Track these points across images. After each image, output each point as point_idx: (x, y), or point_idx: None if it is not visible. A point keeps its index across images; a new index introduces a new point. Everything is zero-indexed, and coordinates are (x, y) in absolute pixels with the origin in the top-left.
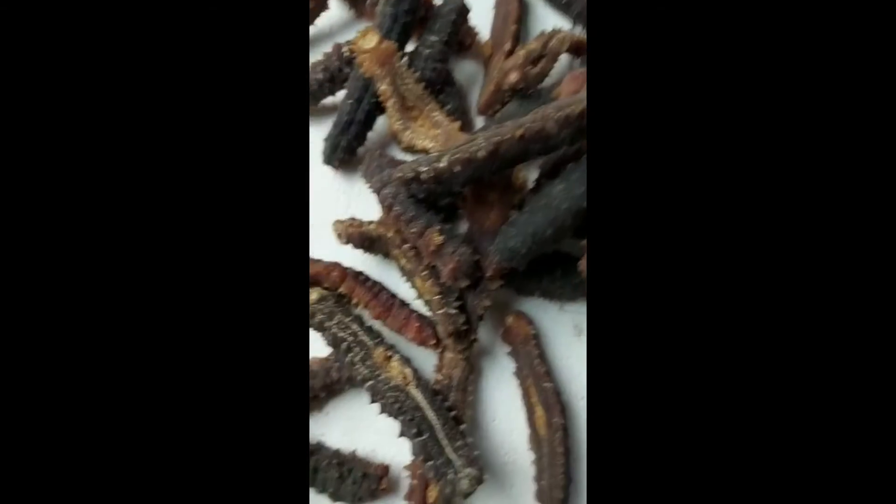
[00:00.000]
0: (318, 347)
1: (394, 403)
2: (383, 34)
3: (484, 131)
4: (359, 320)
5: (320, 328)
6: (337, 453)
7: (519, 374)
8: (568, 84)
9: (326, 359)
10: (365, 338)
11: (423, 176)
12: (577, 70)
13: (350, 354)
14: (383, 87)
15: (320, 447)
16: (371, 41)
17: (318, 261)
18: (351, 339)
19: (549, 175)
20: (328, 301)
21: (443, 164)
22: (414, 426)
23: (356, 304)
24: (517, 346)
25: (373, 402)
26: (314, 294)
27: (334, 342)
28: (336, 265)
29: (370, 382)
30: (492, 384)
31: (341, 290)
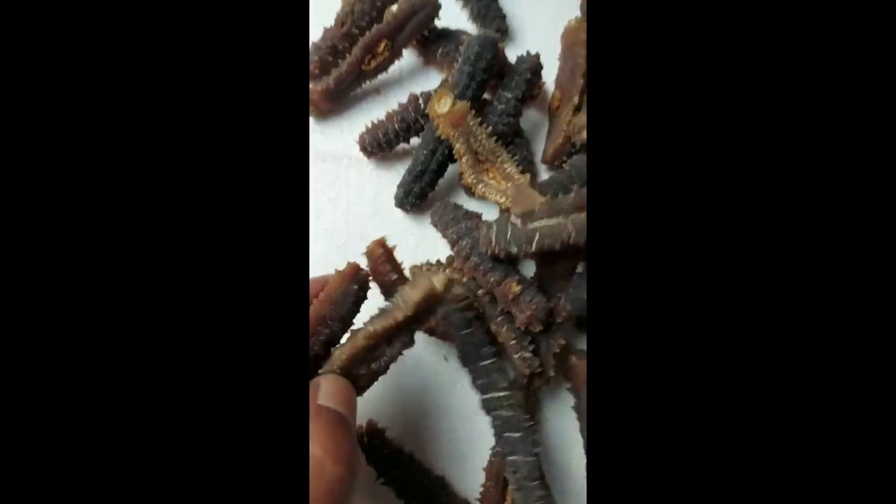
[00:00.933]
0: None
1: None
2: (460, 91)
3: (565, 200)
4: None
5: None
6: (441, 481)
7: (579, 407)
8: None
9: None
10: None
11: (512, 253)
12: None
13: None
14: (457, 145)
15: (421, 465)
16: (445, 105)
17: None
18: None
19: None
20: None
21: (533, 248)
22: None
23: None
24: (579, 384)
25: (484, 408)
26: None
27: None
28: None
29: (488, 396)
30: (553, 414)
31: None
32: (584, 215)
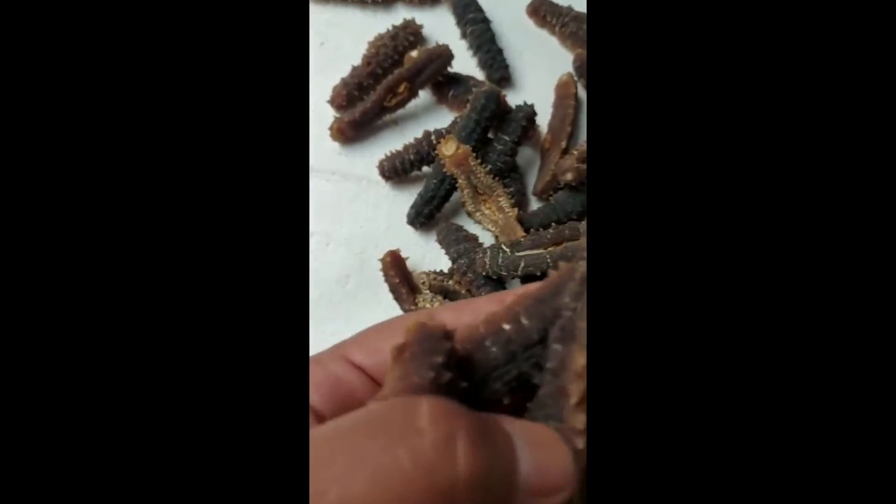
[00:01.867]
0: None
1: None
2: (466, 134)
3: (545, 235)
4: None
5: None
6: None
7: None
8: None
9: None
10: None
11: (501, 275)
12: None
13: None
14: (460, 180)
15: None
16: (451, 149)
17: None
18: None
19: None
20: None
21: (519, 273)
22: None
23: None
24: None
25: None
26: None
27: None
28: None
29: None
30: None
31: None
32: (560, 248)
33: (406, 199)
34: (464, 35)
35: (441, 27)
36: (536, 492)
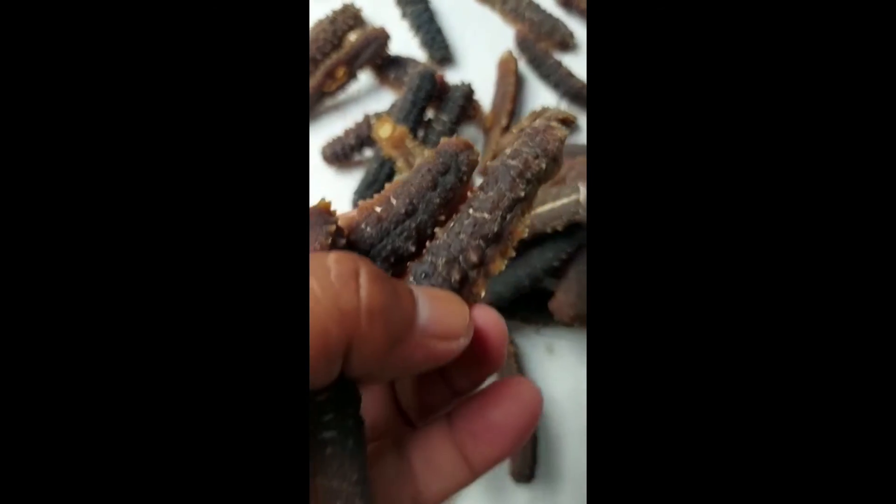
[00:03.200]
0: None
1: None
2: (404, 115)
3: None
4: None
5: None
6: None
7: None
8: None
9: None
10: None
11: None
12: None
13: None
14: (399, 163)
15: None
16: (386, 130)
17: None
18: None
19: (527, 244)
20: None
21: None
22: None
23: None
24: None
25: None
26: None
27: None
28: None
29: None
30: None
31: None
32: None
33: (350, 184)
34: (404, 15)
35: (382, 9)
36: (433, 335)
